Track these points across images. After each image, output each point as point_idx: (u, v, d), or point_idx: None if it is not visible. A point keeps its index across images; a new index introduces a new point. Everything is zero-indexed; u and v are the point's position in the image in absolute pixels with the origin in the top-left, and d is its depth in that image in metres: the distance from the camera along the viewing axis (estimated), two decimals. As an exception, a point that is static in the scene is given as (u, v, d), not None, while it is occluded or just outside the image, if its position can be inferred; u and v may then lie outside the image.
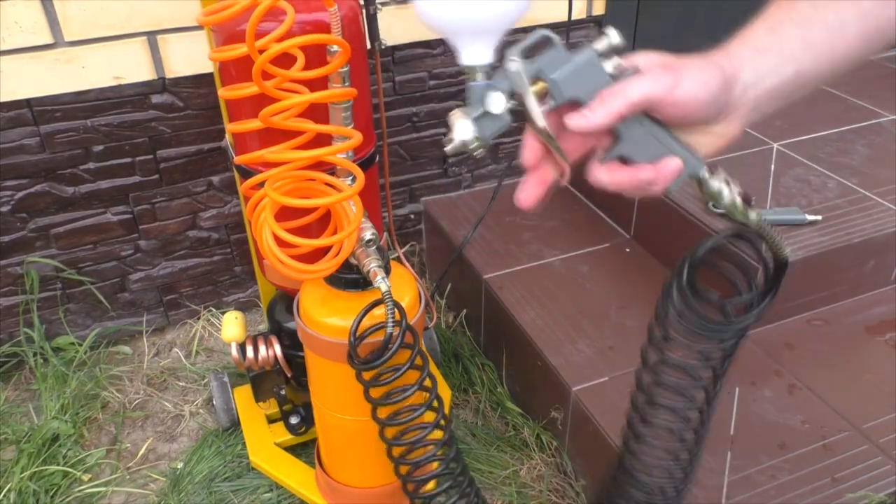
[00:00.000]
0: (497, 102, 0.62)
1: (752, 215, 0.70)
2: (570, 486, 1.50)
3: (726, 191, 0.67)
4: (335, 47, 0.96)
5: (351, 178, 1.05)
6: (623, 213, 1.86)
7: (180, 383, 1.80)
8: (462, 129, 0.63)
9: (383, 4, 1.65)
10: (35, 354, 1.75)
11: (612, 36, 0.61)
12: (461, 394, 1.74)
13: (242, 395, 1.61)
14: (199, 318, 1.92)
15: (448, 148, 0.64)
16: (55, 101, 1.54)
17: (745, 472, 1.27)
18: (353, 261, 1.05)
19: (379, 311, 1.00)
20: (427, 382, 1.07)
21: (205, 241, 1.85)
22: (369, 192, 1.24)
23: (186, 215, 1.79)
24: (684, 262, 0.80)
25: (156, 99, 1.62)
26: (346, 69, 0.99)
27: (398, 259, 1.62)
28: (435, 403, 1.08)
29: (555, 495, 1.50)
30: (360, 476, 1.33)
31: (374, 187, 1.34)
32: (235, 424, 1.61)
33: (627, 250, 1.81)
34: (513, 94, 0.62)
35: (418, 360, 1.05)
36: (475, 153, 0.65)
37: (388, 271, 1.08)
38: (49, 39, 1.47)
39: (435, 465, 1.10)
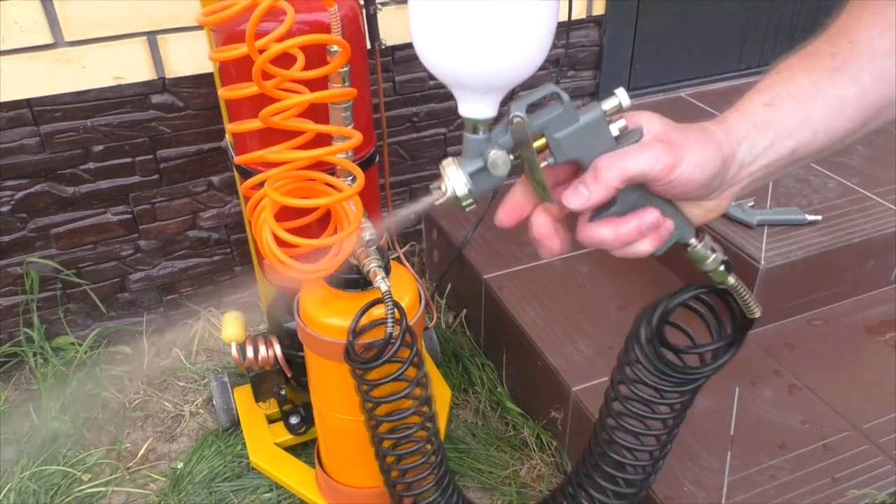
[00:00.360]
0: (502, 164, 0.60)
1: (731, 280, 0.73)
2: (570, 486, 1.50)
3: (711, 257, 0.69)
4: (335, 47, 0.96)
5: (351, 178, 1.05)
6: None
7: (180, 383, 1.80)
8: (456, 182, 0.60)
9: (383, 4, 1.65)
10: (35, 354, 1.75)
11: (622, 97, 0.59)
12: (461, 394, 1.74)
13: (242, 395, 1.61)
14: (199, 318, 1.92)
15: (438, 201, 0.62)
16: (55, 101, 1.54)
17: (745, 472, 1.27)
18: (353, 261, 1.05)
19: (378, 311, 1.00)
20: (423, 382, 1.07)
21: (205, 241, 1.85)
22: (369, 192, 1.25)
23: (186, 215, 1.79)
24: (656, 308, 0.82)
25: (156, 99, 1.62)
26: (346, 69, 0.99)
27: (398, 259, 1.62)
28: (424, 409, 1.08)
29: (555, 495, 1.50)
30: (360, 476, 1.33)
31: (374, 187, 1.34)
32: (235, 424, 1.61)
33: (627, 250, 1.81)
34: (513, 150, 0.60)
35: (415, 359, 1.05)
36: (466, 208, 0.62)
37: (388, 271, 1.08)
38: (49, 39, 1.47)
39: (416, 460, 1.10)
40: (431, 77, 1.86)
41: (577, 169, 0.63)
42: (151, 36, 1.55)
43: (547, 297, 1.67)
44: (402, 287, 1.14)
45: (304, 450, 1.57)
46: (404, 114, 1.89)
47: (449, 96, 2.03)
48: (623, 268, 1.76)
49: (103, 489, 1.53)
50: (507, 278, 1.73)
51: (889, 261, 1.64)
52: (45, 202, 1.64)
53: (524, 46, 0.57)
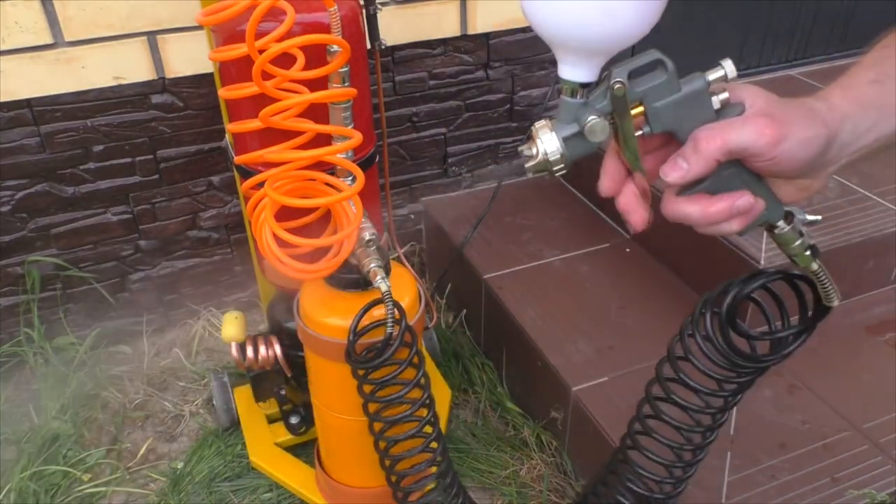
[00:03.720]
0: (600, 131, 0.57)
1: (815, 265, 0.69)
2: (570, 486, 1.50)
3: (799, 240, 0.66)
4: (335, 47, 0.96)
5: (351, 178, 1.05)
6: (623, 213, 1.86)
7: (180, 383, 1.80)
8: (549, 145, 0.58)
9: (383, 4, 1.65)
10: (35, 354, 1.75)
11: (728, 68, 0.57)
12: (461, 394, 1.74)
13: (242, 395, 1.61)
14: (199, 318, 1.92)
15: (529, 164, 0.59)
16: (55, 101, 1.54)
17: (745, 472, 1.27)
18: (353, 261, 1.05)
19: (378, 311, 1.00)
20: (422, 382, 1.07)
21: (205, 241, 1.85)
22: (369, 192, 1.24)
23: (186, 215, 1.79)
24: (727, 291, 0.78)
25: (156, 99, 1.62)
26: (345, 69, 0.99)
27: (398, 259, 1.62)
28: (422, 412, 1.08)
29: (555, 495, 1.50)
30: (360, 476, 1.33)
31: (374, 187, 1.34)
32: (235, 424, 1.61)
33: (627, 250, 1.81)
34: (609, 115, 0.57)
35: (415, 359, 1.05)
36: (555, 173, 0.60)
37: (388, 271, 1.08)
38: (49, 39, 1.47)
39: (421, 460, 1.10)
40: (431, 77, 1.86)
41: (666, 141, 0.60)
42: (151, 36, 1.55)
43: (547, 297, 1.67)
44: (402, 287, 1.14)
45: (304, 450, 1.57)
46: (404, 114, 1.89)
47: (449, 96, 2.03)
48: (623, 268, 1.76)
49: (103, 489, 1.53)
50: (507, 278, 1.73)
51: (889, 261, 1.64)
52: (45, 202, 1.64)
53: (638, 9, 0.54)
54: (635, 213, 0.61)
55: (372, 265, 1.02)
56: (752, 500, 1.23)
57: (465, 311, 1.87)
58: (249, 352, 1.39)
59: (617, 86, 0.56)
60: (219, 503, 1.50)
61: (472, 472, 1.54)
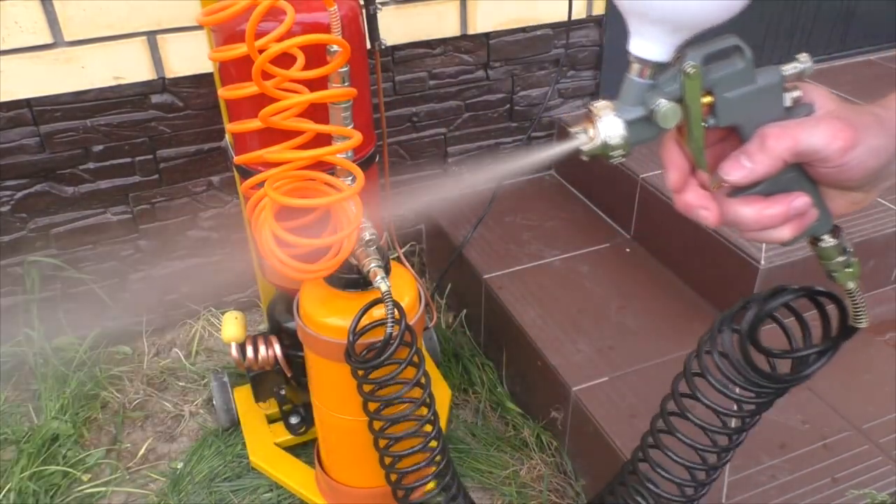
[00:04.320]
0: (673, 116, 0.53)
1: (852, 284, 0.66)
2: (570, 486, 1.50)
3: (843, 258, 0.63)
4: (335, 47, 0.96)
5: (351, 178, 1.05)
6: (623, 213, 1.86)
7: (180, 383, 1.80)
8: (611, 129, 0.53)
9: (383, 4, 1.64)
10: (35, 354, 1.75)
11: (805, 64, 0.54)
12: (461, 394, 1.74)
13: (242, 395, 1.61)
14: (199, 318, 1.92)
15: (586, 147, 0.54)
16: (55, 101, 1.54)
17: (745, 472, 1.27)
18: (353, 261, 1.05)
19: (378, 311, 1.00)
20: (422, 382, 1.07)
21: (205, 241, 1.85)
22: (369, 191, 1.24)
23: (186, 215, 1.79)
24: (748, 307, 0.75)
25: (156, 99, 1.62)
26: (345, 69, 0.99)
27: (398, 259, 1.62)
28: (423, 411, 1.08)
29: (555, 495, 1.50)
30: (361, 476, 1.33)
31: (374, 187, 1.34)
32: (235, 424, 1.61)
33: (627, 250, 1.81)
34: (677, 101, 0.53)
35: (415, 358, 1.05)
36: (613, 159, 0.55)
37: (388, 271, 1.08)
38: (49, 39, 1.47)
39: (421, 459, 1.10)
40: (431, 77, 1.86)
41: (723, 136, 0.57)
42: (151, 36, 1.55)
43: (547, 297, 1.67)
44: (402, 287, 1.14)
45: (304, 450, 1.57)
46: (404, 114, 1.89)
47: (449, 96, 2.03)
48: (623, 268, 1.75)
49: (103, 489, 1.53)
50: (507, 278, 1.73)
51: (889, 261, 1.64)
52: (44, 202, 1.64)
53: None
54: (707, 208, 0.56)
55: (372, 265, 1.02)
56: (752, 500, 1.23)
57: (465, 311, 1.87)
58: (249, 352, 1.39)
59: (691, 69, 0.51)
60: (219, 503, 1.50)
61: (472, 472, 1.54)
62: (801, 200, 0.54)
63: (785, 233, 0.56)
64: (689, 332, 1.54)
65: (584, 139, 0.54)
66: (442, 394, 1.62)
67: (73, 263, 1.74)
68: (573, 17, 1.88)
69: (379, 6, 1.32)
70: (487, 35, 1.86)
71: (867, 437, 1.32)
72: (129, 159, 1.66)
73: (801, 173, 0.55)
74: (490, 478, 1.54)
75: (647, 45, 0.53)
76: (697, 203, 0.57)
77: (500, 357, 1.72)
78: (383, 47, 1.35)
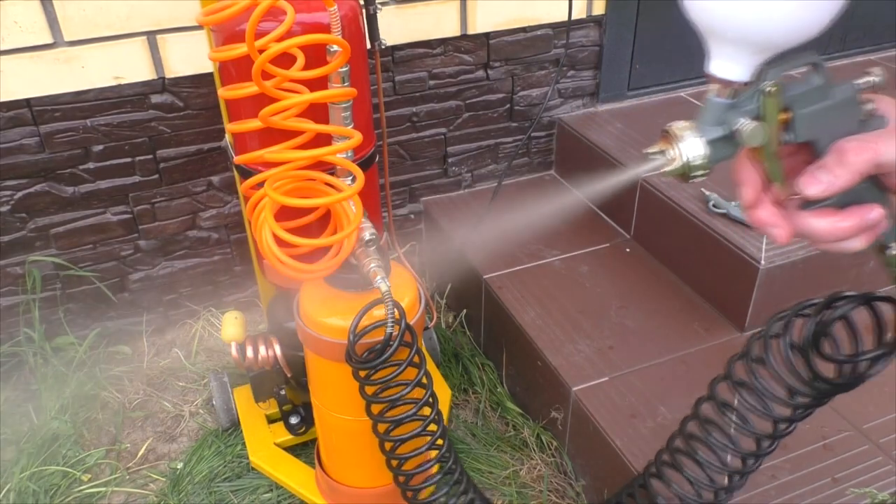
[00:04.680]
0: (758, 135, 0.53)
1: None
2: (570, 486, 1.50)
3: None
4: (335, 47, 0.96)
5: (351, 177, 1.05)
6: (623, 213, 1.86)
7: (180, 383, 1.80)
8: (693, 149, 0.54)
9: (383, 4, 1.65)
10: (35, 354, 1.75)
11: (878, 75, 0.54)
12: (461, 394, 1.74)
13: (242, 395, 1.61)
14: (199, 318, 1.92)
15: (667, 168, 0.55)
16: (55, 100, 1.54)
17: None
18: (353, 261, 1.05)
19: (378, 311, 1.00)
20: (424, 382, 1.07)
21: (205, 241, 1.85)
22: (369, 192, 1.24)
23: (186, 215, 1.79)
24: (802, 315, 0.75)
25: (156, 99, 1.62)
26: (345, 69, 0.99)
27: (398, 259, 1.62)
28: (425, 411, 1.08)
29: (555, 495, 1.50)
30: (360, 476, 1.33)
31: (374, 187, 1.34)
32: (235, 424, 1.61)
33: (627, 250, 1.81)
34: (756, 119, 0.53)
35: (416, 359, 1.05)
36: (692, 179, 0.55)
37: (388, 271, 1.08)
38: (49, 39, 1.47)
39: (431, 455, 1.10)
40: (431, 77, 1.86)
41: (796, 150, 0.57)
42: (151, 36, 1.54)
43: (547, 297, 1.67)
44: (402, 287, 1.14)
45: (304, 450, 1.57)
46: (404, 114, 1.89)
47: (449, 96, 2.03)
48: (623, 268, 1.76)
49: (103, 489, 1.53)
50: (507, 278, 1.73)
51: None
52: (44, 202, 1.64)
53: (819, 6, 0.50)
54: (778, 226, 0.57)
55: (372, 265, 1.02)
56: (752, 500, 1.22)
57: (465, 311, 1.87)
58: (249, 352, 1.39)
59: (772, 88, 0.52)
60: (219, 503, 1.50)
61: (472, 472, 1.54)
62: (876, 212, 0.54)
63: (857, 244, 0.56)
64: (689, 332, 1.54)
65: (663, 161, 0.55)
66: (442, 394, 1.62)
67: (72, 263, 1.74)
68: (573, 17, 1.88)
69: (379, 6, 1.32)
70: (487, 35, 1.86)
71: (867, 437, 1.32)
72: (129, 159, 1.66)
73: (872, 184, 0.55)
74: (490, 478, 1.54)
75: (728, 65, 0.54)
76: (770, 221, 0.57)
77: (500, 357, 1.72)
78: (383, 47, 1.35)
